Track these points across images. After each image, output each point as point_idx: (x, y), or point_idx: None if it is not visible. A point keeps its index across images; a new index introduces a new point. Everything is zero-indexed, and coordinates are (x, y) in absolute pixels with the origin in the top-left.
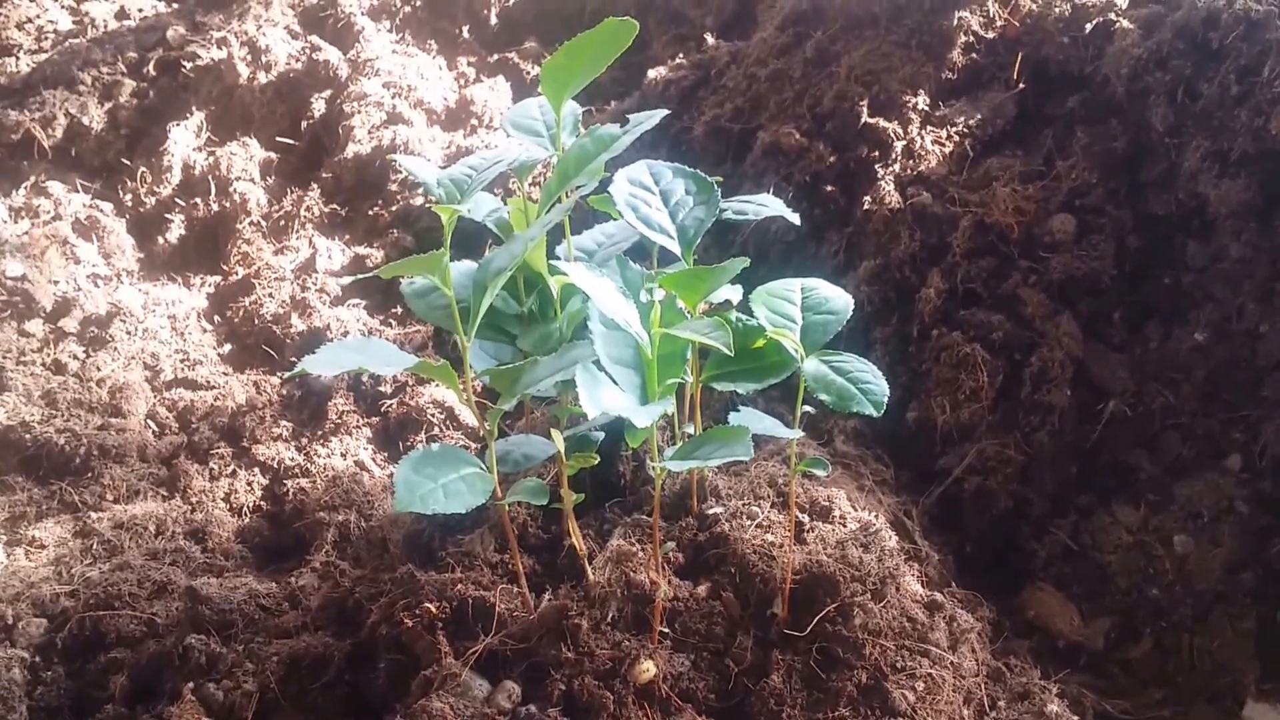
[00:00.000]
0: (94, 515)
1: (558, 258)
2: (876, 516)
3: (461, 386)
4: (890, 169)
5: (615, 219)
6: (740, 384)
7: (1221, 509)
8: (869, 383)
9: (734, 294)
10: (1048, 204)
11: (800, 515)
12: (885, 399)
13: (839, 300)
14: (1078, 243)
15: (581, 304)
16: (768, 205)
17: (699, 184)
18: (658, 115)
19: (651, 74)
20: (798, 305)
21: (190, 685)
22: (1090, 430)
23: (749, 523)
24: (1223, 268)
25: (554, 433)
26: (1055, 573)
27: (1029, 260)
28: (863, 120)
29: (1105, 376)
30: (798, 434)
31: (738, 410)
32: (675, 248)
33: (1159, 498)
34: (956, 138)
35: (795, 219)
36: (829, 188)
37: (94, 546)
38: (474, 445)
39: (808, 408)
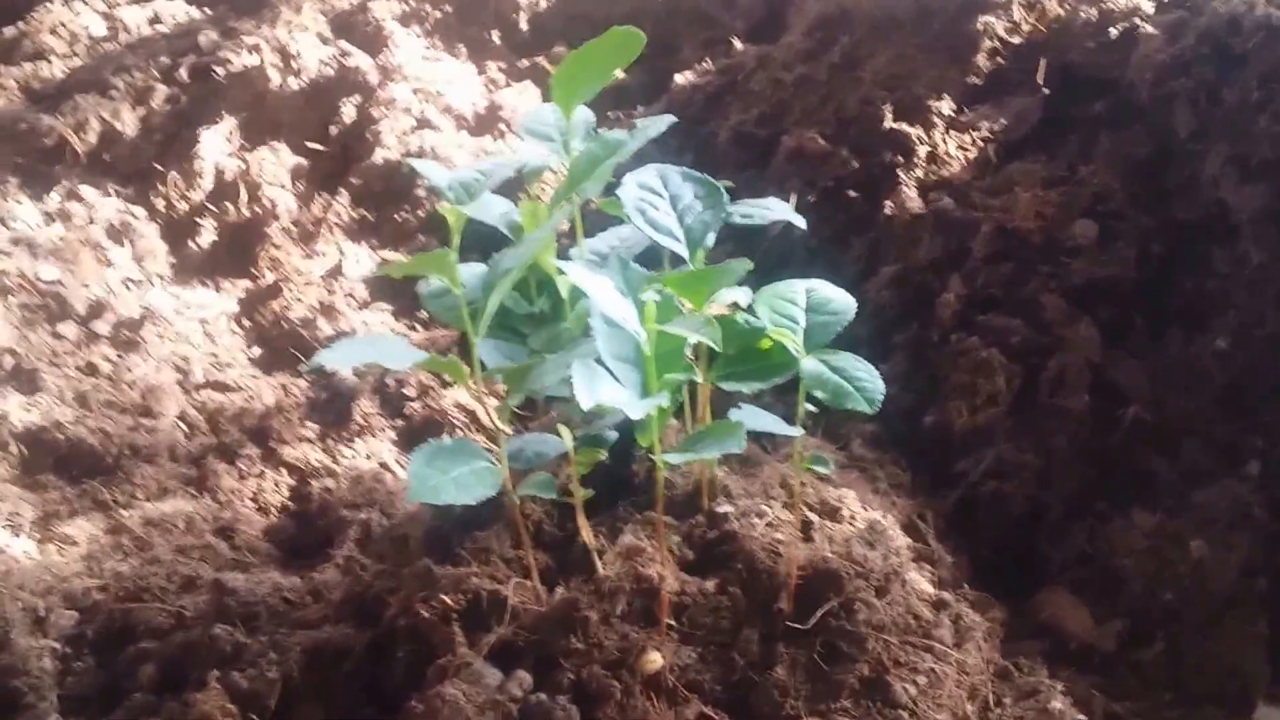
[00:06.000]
0: (125, 513)
1: (570, 259)
2: (885, 516)
3: (471, 383)
4: (913, 174)
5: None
6: (745, 383)
7: (1238, 515)
8: (864, 380)
9: (743, 296)
10: (1070, 209)
11: (809, 514)
12: (880, 397)
13: (841, 302)
14: (1100, 248)
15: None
16: (773, 210)
17: (706, 188)
18: (665, 121)
19: (678, 79)
20: (802, 306)
21: (216, 674)
22: (1109, 436)
23: (759, 521)
24: (1245, 274)
25: (563, 430)
26: (1070, 576)
27: (1050, 265)
28: (886, 125)
29: (1125, 382)
30: (798, 431)
31: (740, 407)
32: (683, 251)
33: (1176, 503)
34: (980, 142)
35: (801, 223)
36: (852, 192)
37: (124, 542)
38: (495, 447)
39: (810, 406)
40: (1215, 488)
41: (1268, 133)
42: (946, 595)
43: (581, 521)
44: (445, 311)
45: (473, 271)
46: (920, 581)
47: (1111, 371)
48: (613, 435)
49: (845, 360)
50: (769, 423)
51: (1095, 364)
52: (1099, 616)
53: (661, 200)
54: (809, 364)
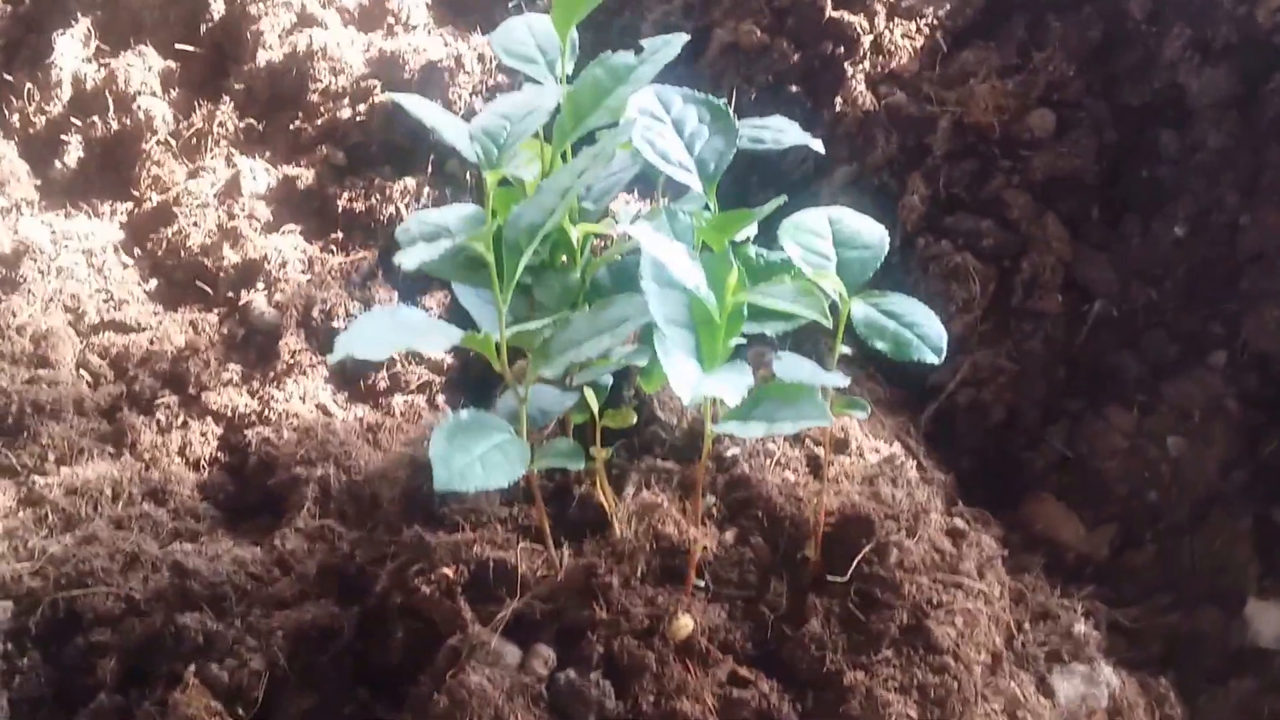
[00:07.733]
0: (39, 480)
1: None
2: (892, 444)
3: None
4: (859, 67)
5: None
6: (769, 325)
7: (1211, 408)
8: (923, 326)
9: (749, 229)
10: (1026, 99)
11: (815, 449)
12: (945, 343)
13: (872, 233)
14: (1058, 139)
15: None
16: (786, 133)
17: (713, 111)
18: (678, 40)
19: None
20: (829, 239)
21: (191, 668)
22: (1077, 333)
23: (768, 461)
24: (1201, 159)
25: (588, 391)
26: (1054, 482)
27: (1010, 160)
28: (826, 14)
29: (1090, 277)
30: (844, 380)
31: (779, 357)
32: (695, 183)
33: (1148, 399)
34: (927, 30)
35: (819, 146)
36: (793, 88)
37: (48, 517)
38: (438, 378)
39: (846, 349)
40: (1185, 380)
41: (1231, 15)
42: (960, 523)
43: (602, 483)
44: (441, 264)
45: (459, 215)
46: (936, 513)
47: (1077, 266)
48: (608, 381)
49: (899, 303)
50: (810, 372)
51: (1066, 261)
52: (1088, 522)
53: (664, 127)
54: (860, 310)
